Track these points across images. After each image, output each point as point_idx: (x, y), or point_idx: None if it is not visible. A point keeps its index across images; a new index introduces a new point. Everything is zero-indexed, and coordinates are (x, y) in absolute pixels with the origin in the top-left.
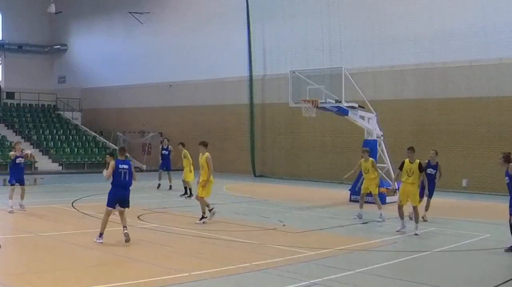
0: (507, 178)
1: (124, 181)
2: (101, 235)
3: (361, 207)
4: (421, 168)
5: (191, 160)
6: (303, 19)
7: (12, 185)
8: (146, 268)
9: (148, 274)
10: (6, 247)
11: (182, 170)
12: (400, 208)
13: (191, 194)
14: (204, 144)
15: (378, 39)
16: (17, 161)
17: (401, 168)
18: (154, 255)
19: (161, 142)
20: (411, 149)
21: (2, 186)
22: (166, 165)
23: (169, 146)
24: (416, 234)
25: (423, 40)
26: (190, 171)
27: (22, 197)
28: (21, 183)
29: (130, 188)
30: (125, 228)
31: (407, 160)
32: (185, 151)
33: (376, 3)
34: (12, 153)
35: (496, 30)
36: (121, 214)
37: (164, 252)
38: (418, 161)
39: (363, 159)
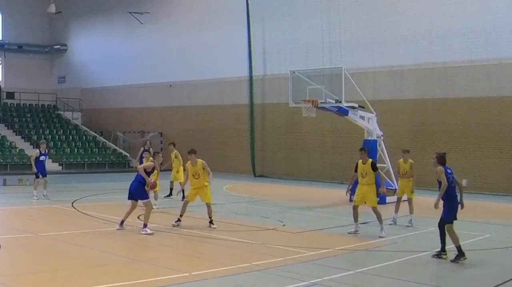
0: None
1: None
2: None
3: (396, 211)
4: (373, 168)
5: (181, 160)
6: (303, 19)
7: (37, 177)
8: (146, 268)
9: (148, 274)
10: (6, 247)
11: (170, 170)
12: (354, 208)
13: (170, 194)
14: (195, 152)
15: (378, 39)
16: (41, 158)
17: (356, 170)
18: (154, 255)
19: (144, 143)
20: (363, 149)
21: (2, 186)
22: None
23: (150, 148)
24: (381, 237)
25: (423, 40)
26: (178, 172)
27: (45, 188)
28: (45, 175)
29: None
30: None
31: (360, 161)
32: (176, 151)
33: (376, 3)
34: (36, 151)
35: (496, 30)
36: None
37: (164, 252)
38: (371, 160)
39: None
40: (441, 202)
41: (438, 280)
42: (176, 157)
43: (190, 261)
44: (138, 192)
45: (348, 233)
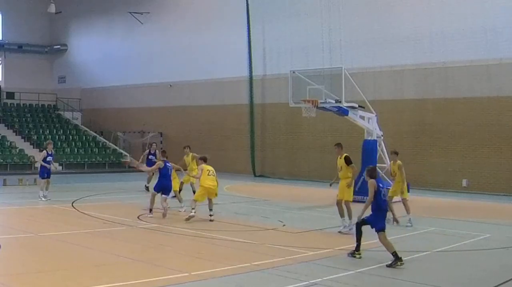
0: None
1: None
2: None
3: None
4: (347, 162)
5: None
6: (303, 19)
7: (43, 178)
8: (146, 268)
9: (148, 274)
10: (6, 247)
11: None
12: (337, 204)
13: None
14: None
15: (378, 39)
16: (48, 159)
17: None
18: (154, 255)
19: (150, 146)
20: (338, 144)
21: (2, 186)
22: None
23: (157, 151)
24: (340, 232)
25: (423, 40)
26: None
27: (47, 189)
28: (49, 176)
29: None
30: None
31: (337, 157)
32: (192, 153)
33: (376, 3)
34: (44, 152)
35: (496, 30)
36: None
37: (164, 252)
38: (345, 155)
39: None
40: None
41: (438, 280)
42: (192, 159)
43: (190, 261)
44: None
45: (339, 232)
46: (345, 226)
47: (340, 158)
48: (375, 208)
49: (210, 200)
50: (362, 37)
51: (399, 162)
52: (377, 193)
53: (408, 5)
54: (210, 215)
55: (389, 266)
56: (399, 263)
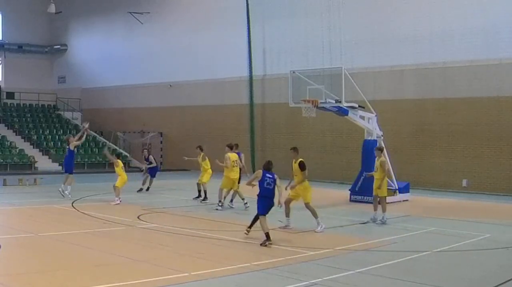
0: None
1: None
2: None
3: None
4: (301, 167)
5: (209, 164)
6: (303, 19)
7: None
8: (146, 268)
9: (148, 274)
10: (6, 247)
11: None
12: (285, 202)
13: (206, 197)
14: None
15: (378, 39)
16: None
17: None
18: (154, 255)
19: (148, 152)
20: (294, 148)
21: (2, 186)
22: (153, 172)
23: (150, 156)
24: (317, 231)
25: (423, 40)
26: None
27: (70, 183)
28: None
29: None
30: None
31: (293, 161)
32: (203, 154)
33: (376, 3)
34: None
35: (496, 30)
36: None
37: (164, 252)
38: (300, 160)
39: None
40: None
41: (438, 280)
42: (203, 160)
43: (190, 261)
44: None
45: (279, 228)
46: (318, 224)
47: (295, 162)
48: (259, 195)
49: (235, 191)
50: (362, 37)
51: (382, 158)
52: (261, 181)
53: (408, 5)
54: (231, 205)
55: (261, 244)
56: (268, 242)
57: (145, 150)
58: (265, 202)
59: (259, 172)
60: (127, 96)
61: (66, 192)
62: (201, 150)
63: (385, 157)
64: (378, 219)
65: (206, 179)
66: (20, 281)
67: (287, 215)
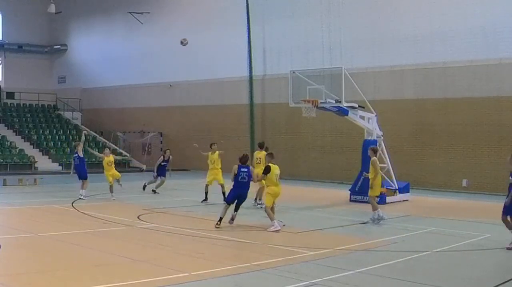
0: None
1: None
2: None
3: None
4: (264, 171)
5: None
6: (303, 19)
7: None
8: (146, 268)
9: (148, 274)
10: (6, 247)
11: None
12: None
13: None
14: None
15: (378, 39)
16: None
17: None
18: (154, 255)
19: (164, 153)
20: (269, 154)
21: (2, 186)
22: (163, 173)
23: (170, 156)
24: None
25: (423, 40)
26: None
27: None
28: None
29: None
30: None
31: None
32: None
33: (376, 3)
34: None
35: (496, 30)
36: None
37: (164, 252)
38: (267, 165)
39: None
40: None
41: (438, 280)
42: (218, 157)
43: (190, 261)
44: None
45: (268, 230)
46: (284, 225)
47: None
48: (233, 186)
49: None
50: (362, 37)
51: (374, 158)
52: (236, 175)
53: (408, 5)
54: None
55: (216, 227)
56: (216, 226)
57: (167, 150)
58: (236, 193)
59: (235, 167)
60: (127, 96)
61: (81, 196)
62: (217, 147)
63: (384, 157)
64: (369, 219)
65: (222, 179)
66: (20, 281)
67: (272, 218)
